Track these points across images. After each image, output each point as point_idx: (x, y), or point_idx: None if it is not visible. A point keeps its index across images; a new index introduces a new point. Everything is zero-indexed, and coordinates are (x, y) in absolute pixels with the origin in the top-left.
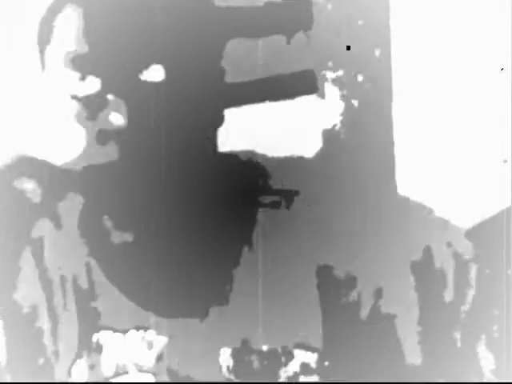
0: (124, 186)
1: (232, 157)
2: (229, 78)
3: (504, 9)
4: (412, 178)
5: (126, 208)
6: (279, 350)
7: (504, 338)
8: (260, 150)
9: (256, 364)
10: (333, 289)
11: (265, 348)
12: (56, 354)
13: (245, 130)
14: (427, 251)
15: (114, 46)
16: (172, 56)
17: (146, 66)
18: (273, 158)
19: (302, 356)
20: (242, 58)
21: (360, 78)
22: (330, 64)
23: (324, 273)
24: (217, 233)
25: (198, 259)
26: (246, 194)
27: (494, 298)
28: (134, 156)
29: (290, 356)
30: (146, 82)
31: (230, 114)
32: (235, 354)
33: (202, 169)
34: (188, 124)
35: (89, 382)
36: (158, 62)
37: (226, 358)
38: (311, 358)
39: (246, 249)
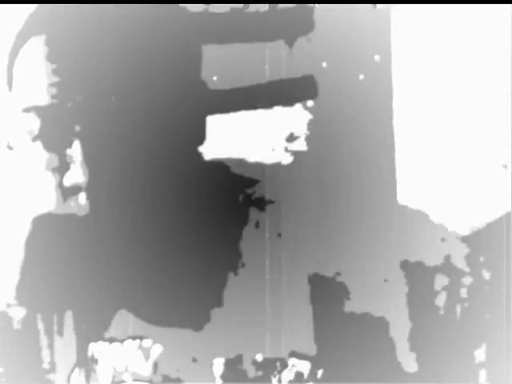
0: (113, 195)
1: (219, 165)
2: (223, 85)
3: (504, 14)
4: (411, 184)
5: (117, 219)
6: (273, 359)
7: (504, 345)
8: (251, 158)
9: (250, 373)
10: (326, 296)
11: (259, 358)
12: (53, 363)
13: (234, 138)
14: (425, 258)
15: (89, 66)
16: (152, 66)
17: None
18: (264, 165)
19: (296, 365)
20: (240, 63)
21: (359, 84)
22: (328, 69)
23: (317, 281)
24: (206, 243)
25: (192, 269)
26: (235, 202)
27: (494, 303)
28: (123, 168)
29: (284, 365)
30: (127, 89)
31: (218, 121)
32: (229, 364)
33: (188, 177)
34: (172, 132)
35: None
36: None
37: (219, 367)
38: (305, 367)
39: (236, 259)
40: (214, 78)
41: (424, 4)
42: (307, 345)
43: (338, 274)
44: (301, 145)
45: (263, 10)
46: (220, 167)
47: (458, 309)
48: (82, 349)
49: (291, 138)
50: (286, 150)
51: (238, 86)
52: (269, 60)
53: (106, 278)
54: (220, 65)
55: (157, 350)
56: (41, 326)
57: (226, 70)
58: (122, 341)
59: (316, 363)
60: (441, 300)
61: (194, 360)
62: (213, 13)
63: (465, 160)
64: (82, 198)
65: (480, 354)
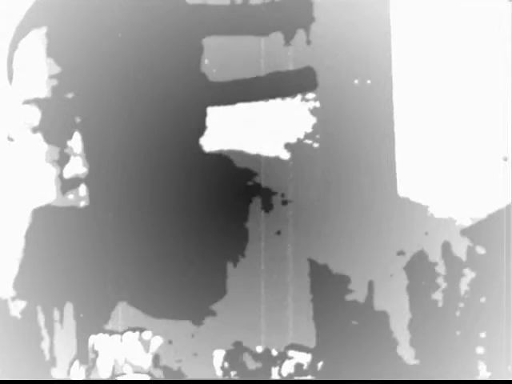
0: (115, 189)
1: (221, 157)
2: (225, 77)
3: (503, 11)
4: (412, 177)
5: (122, 213)
6: (273, 352)
7: (503, 337)
8: (252, 150)
9: (250, 366)
10: (326, 289)
11: (259, 349)
12: (53, 356)
13: (235, 130)
14: (425, 250)
15: (90, 60)
16: (154, 60)
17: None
18: (265, 158)
19: (296, 357)
20: (240, 56)
21: (360, 79)
22: (328, 62)
23: (318, 272)
24: (206, 235)
25: (191, 261)
26: (237, 194)
27: (494, 295)
28: (123, 160)
29: (284, 357)
30: (128, 86)
31: (218, 113)
32: (229, 356)
33: (189, 169)
34: (174, 124)
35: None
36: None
37: (219, 359)
38: (305, 359)
39: (236, 251)
40: (214, 71)
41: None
42: (307, 337)
43: (338, 266)
44: (301, 138)
45: (263, 2)
46: (220, 159)
47: (458, 300)
48: (82, 341)
49: (291, 130)
50: (286, 142)
51: (238, 78)
52: (269, 53)
53: (106, 270)
54: (220, 57)
55: (157, 341)
56: (41, 318)
57: (226, 63)
58: (121, 333)
59: (316, 355)
60: (441, 292)
61: (195, 353)
62: (213, 5)
63: (465, 153)
64: (82, 189)
65: (480, 346)
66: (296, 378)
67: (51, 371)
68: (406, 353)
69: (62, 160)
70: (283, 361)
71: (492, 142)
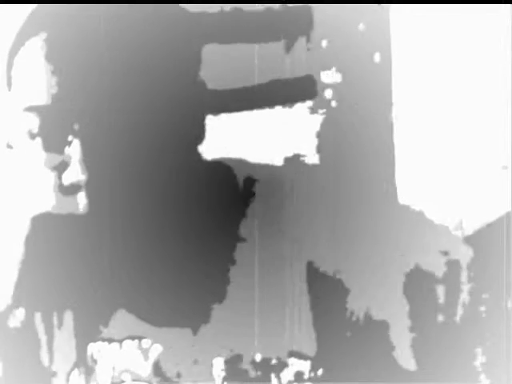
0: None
1: (219, 164)
2: (223, 85)
3: (503, 16)
4: (411, 184)
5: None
6: (272, 359)
7: (504, 346)
8: (250, 158)
9: (249, 373)
10: (325, 295)
11: (258, 358)
12: (52, 364)
13: (233, 137)
14: (425, 258)
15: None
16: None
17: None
18: (264, 166)
19: (295, 364)
20: (238, 63)
21: (359, 83)
22: (328, 70)
23: (316, 279)
24: (206, 243)
25: (191, 268)
26: (236, 202)
27: (493, 303)
28: (122, 167)
29: (283, 365)
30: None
31: (217, 121)
32: (228, 364)
33: (188, 176)
34: (172, 131)
35: None
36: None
37: (218, 368)
38: (305, 366)
39: (235, 259)
40: (211, 80)
41: (424, 4)
42: (307, 344)
43: (338, 272)
44: (299, 145)
45: (262, 9)
46: (220, 166)
47: (458, 309)
48: (81, 349)
49: (290, 138)
50: (286, 151)
51: (237, 86)
52: (268, 60)
53: (106, 278)
54: (219, 65)
55: (156, 350)
56: (40, 326)
57: (225, 70)
58: (120, 341)
59: (316, 363)
60: (440, 300)
61: (195, 361)
62: (212, 13)
63: (464, 161)
64: (82, 196)
65: (480, 355)
66: None
67: (50, 379)
68: (406, 360)
69: (61, 167)
70: (283, 368)
71: (491, 150)
